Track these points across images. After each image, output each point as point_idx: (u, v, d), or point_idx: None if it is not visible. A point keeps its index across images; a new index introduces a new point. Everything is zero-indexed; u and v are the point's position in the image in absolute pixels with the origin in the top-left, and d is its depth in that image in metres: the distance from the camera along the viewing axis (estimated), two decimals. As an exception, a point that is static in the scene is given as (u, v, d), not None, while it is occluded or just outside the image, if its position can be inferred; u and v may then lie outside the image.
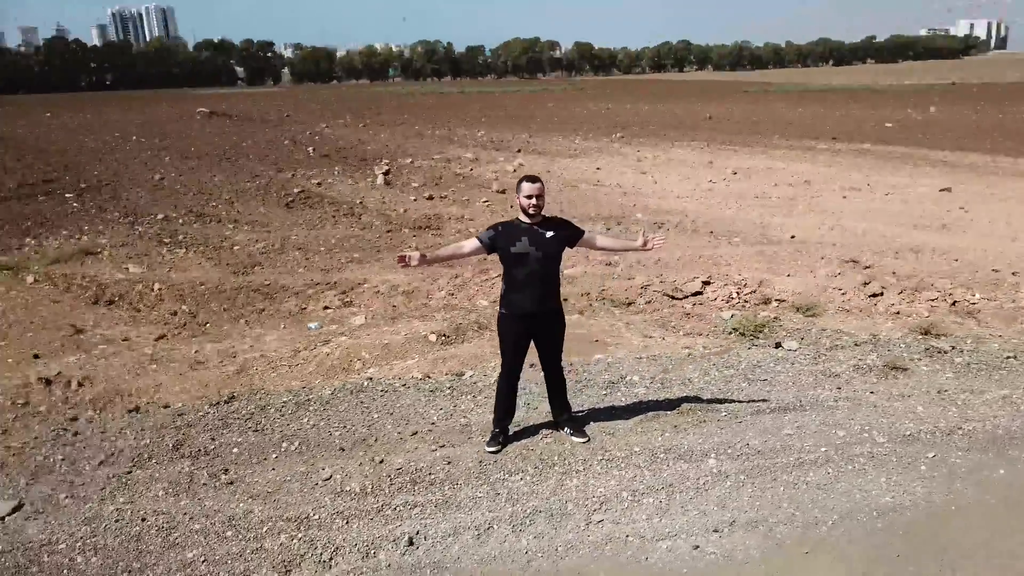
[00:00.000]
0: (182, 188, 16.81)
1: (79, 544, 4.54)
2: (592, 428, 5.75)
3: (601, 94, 70.28)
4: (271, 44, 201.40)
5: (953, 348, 7.18)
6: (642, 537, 4.53)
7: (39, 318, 9.13)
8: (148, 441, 5.82)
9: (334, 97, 73.98)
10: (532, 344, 5.54)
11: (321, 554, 4.45)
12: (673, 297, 9.21)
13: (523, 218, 5.21)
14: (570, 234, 5.36)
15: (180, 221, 13.83)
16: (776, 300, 8.94)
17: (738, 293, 9.20)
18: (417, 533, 4.61)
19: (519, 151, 22.53)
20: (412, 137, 26.77)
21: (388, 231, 12.96)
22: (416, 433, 5.83)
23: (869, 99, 51.04)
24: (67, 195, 15.99)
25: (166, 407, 6.53)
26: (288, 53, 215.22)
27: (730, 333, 7.82)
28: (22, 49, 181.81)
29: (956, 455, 5.28)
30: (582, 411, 6.07)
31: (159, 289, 10.09)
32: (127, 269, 11.01)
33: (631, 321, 8.30)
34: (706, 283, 9.59)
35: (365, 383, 6.86)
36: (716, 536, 4.51)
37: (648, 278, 9.86)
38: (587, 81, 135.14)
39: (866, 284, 9.30)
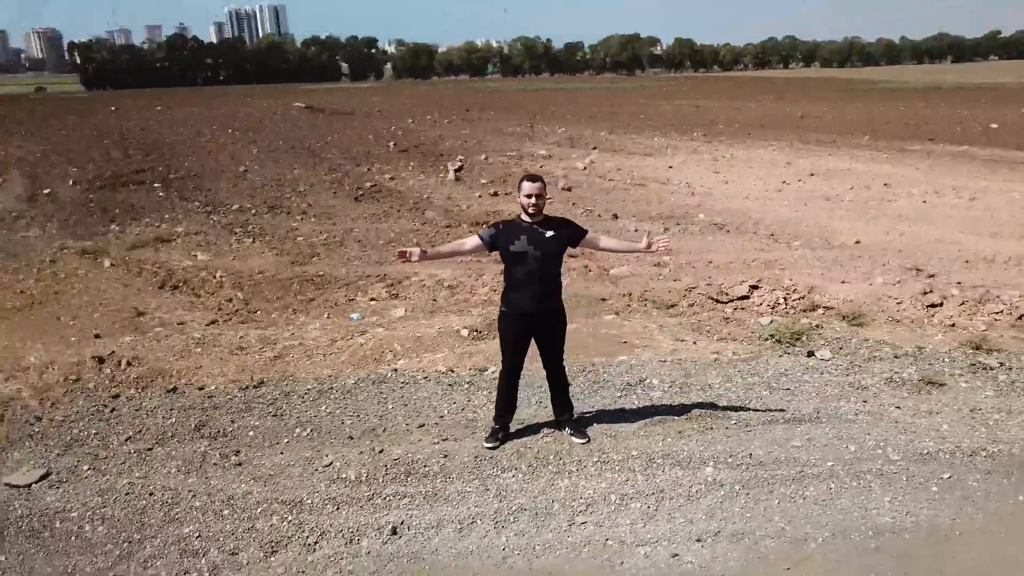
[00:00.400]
0: (262, 180, 17.52)
1: (89, 514, 4.86)
2: (595, 429, 5.72)
3: (695, 91, 68.95)
4: (375, 40, 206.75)
5: (1001, 365, 6.77)
6: (622, 542, 4.50)
7: (108, 300, 9.74)
8: (174, 420, 6.14)
9: (428, 93, 75.34)
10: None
11: (307, 537, 4.62)
12: (718, 301, 9.01)
13: (524, 217, 5.22)
14: (571, 234, 5.33)
15: (253, 212, 14.43)
16: (824, 307, 8.63)
17: (785, 299, 8.92)
18: (402, 523, 4.71)
19: (594, 148, 22.41)
20: (492, 133, 27.00)
21: (447, 226, 13.16)
22: (423, 426, 5.94)
23: (981, 98, 48.18)
24: (156, 185, 16.93)
25: (201, 389, 6.86)
26: (391, 49, 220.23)
27: (766, 340, 7.61)
28: (145, 46, 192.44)
29: (974, 478, 5.00)
30: (590, 412, 6.05)
31: (220, 276, 10.58)
32: (195, 256, 11.58)
33: (666, 324, 8.17)
34: (754, 287, 9.33)
35: (389, 374, 7.02)
36: (698, 546, 4.44)
37: (695, 280, 9.68)
38: (685, 78, 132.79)
39: (925, 294, 8.85)
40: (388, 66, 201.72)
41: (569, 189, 15.98)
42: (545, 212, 5.36)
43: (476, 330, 8.11)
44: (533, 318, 5.33)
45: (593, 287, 9.55)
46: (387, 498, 4.97)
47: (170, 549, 4.53)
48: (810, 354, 7.11)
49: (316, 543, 4.57)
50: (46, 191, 16.97)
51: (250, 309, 9.46)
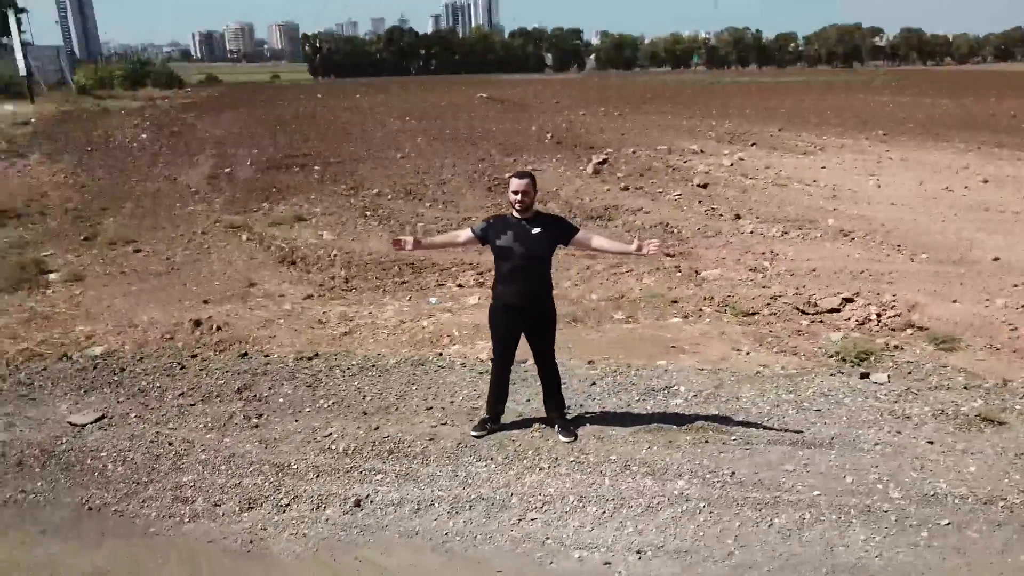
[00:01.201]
0: (412, 167, 18.44)
1: (115, 455, 5.55)
2: (587, 430, 5.69)
3: (908, 86, 63.39)
4: (579, 32, 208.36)
5: (1090, 411, 5.90)
6: (562, 543, 4.51)
7: (232, 270, 10.80)
8: (224, 382, 6.80)
9: (618, 85, 74.87)
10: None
11: (281, 499, 5.01)
12: (803, 312, 8.48)
13: (515, 213, 5.28)
14: (560, 232, 5.34)
15: (389, 196, 15.27)
16: (918, 327, 7.87)
17: (879, 315, 8.22)
18: (367, 497, 4.98)
19: (752, 145, 21.40)
20: (656, 127, 26.55)
21: (561, 219, 13.25)
22: (431, 409, 6.17)
23: None
24: (315, 167, 18.35)
25: (266, 356, 7.50)
26: (596, 41, 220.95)
27: (830, 357, 7.09)
28: (367, 37, 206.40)
29: (977, 528, 4.48)
30: (595, 412, 6.02)
31: (334, 255, 11.36)
32: (321, 236, 12.50)
33: (731, 331, 7.82)
34: (848, 300, 8.68)
35: (431, 358, 7.31)
36: (634, 557, 4.35)
37: (785, 288, 9.15)
38: (906, 71, 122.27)
39: (1050, 322, 7.82)
40: (592, 58, 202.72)
41: (704, 186, 15.47)
42: (539, 210, 5.42)
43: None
44: (518, 312, 5.39)
45: (676, 288, 9.29)
46: (364, 472, 5.26)
47: (166, 494, 5.09)
48: (864, 376, 6.56)
49: (287, 505, 4.95)
50: (227, 170, 18.90)
51: (347, 287, 10.10)
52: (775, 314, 8.41)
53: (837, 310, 8.51)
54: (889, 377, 6.50)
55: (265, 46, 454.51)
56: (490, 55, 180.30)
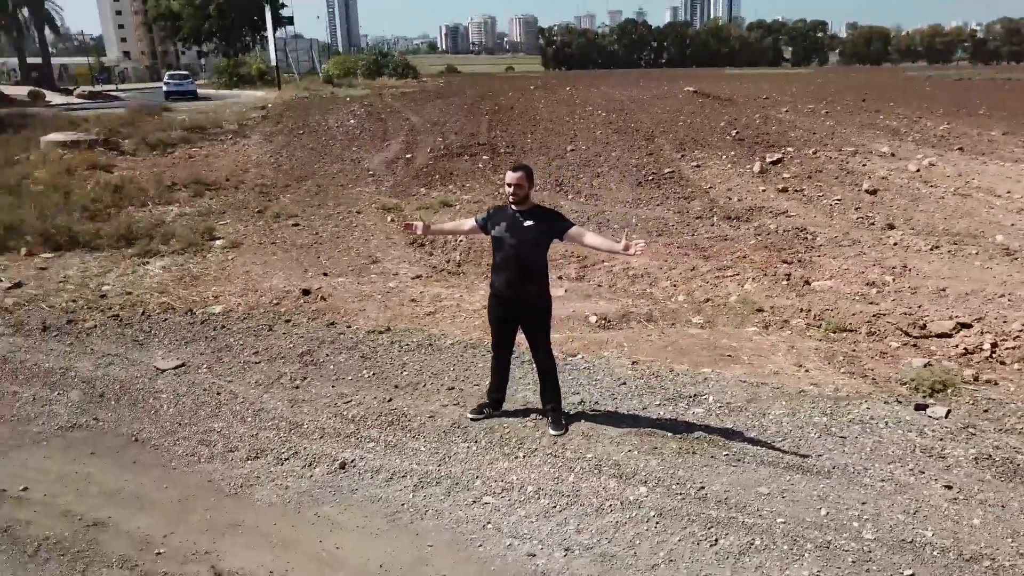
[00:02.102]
0: (576, 159, 18.62)
1: (171, 398, 6.38)
2: (581, 427, 5.69)
3: None
4: (824, 24, 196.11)
5: None
6: (499, 529, 4.63)
7: (364, 247, 11.68)
8: (294, 346, 7.50)
9: (854, 80, 69.47)
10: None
11: (283, 453, 5.54)
12: (906, 333, 7.72)
13: (513, 205, 5.39)
14: (554, 227, 5.37)
15: (540, 188, 15.58)
16: (1034, 363, 6.90)
17: (993, 346, 7.28)
18: (352, 462, 5.38)
19: (959, 149, 19.13)
20: (854, 126, 24.50)
21: (697, 218, 12.84)
22: (452, 389, 6.45)
23: None
24: (484, 156, 19.08)
25: (348, 327, 8.14)
26: (843, 33, 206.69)
27: (902, 384, 6.45)
28: (599, 31, 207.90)
29: (941, 584, 4.00)
30: (604, 411, 5.97)
31: (459, 240, 11.89)
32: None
33: (805, 347, 7.32)
34: (965, 326, 7.77)
35: (485, 342, 7.52)
36: (560, 554, 4.38)
37: (897, 306, 8.33)
38: None
39: None
40: (837, 51, 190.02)
41: (873, 192, 14.22)
42: (537, 203, 5.49)
43: (606, 318, 8.17)
44: (508, 302, 5.50)
45: (774, 297, 8.79)
46: (360, 439, 5.66)
47: (196, 436, 5.80)
48: (920, 408, 5.91)
49: (286, 459, 5.46)
50: (408, 155, 20.19)
51: (456, 271, 10.57)
52: (872, 333, 7.72)
53: (948, 335, 7.65)
54: (948, 412, 5.81)
55: (505, 39, 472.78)
56: (724, 48, 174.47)
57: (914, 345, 7.34)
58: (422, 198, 15.04)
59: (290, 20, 69.74)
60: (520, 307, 5.51)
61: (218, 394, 6.42)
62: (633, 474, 5.03)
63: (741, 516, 4.56)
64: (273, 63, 48.12)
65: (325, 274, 10.24)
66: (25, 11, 55.30)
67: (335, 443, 5.61)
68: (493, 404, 5.87)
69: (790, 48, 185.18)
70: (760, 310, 8.22)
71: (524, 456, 5.32)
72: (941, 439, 5.44)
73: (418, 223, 5.75)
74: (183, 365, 7.06)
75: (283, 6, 64.75)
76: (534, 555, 4.36)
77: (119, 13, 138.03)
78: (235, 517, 4.78)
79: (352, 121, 27.13)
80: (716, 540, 4.38)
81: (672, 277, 9.71)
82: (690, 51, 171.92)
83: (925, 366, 6.73)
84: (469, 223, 5.75)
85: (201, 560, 4.34)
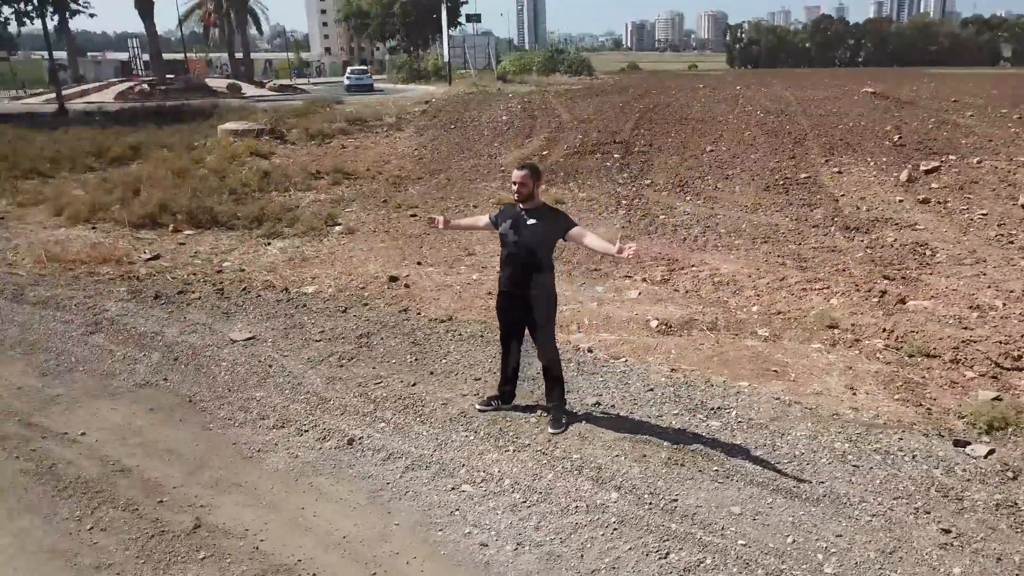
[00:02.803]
0: (709, 161, 18.06)
1: (228, 365, 7.02)
2: (582, 427, 5.71)
3: None
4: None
5: None
6: (464, 517, 4.80)
7: (468, 239, 12.06)
8: (356, 327, 7.98)
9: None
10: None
11: (303, 425, 5.97)
12: (996, 364, 7.02)
13: (520, 203, 5.49)
14: (556, 227, 5.43)
15: (657, 187, 15.32)
16: None
17: (1094, 385, 6.49)
18: (359, 439, 5.72)
19: None
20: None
21: (813, 227, 12.13)
22: (480, 379, 6.64)
23: None
24: (616, 155, 18.96)
25: (418, 314, 8.53)
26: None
27: (959, 417, 5.91)
28: (792, 27, 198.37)
29: (888, 631, 3.73)
30: (615, 415, 5.92)
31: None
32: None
33: (862, 368, 6.84)
34: (1067, 361, 6.95)
35: (536, 339, 7.64)
36: (511, 547, 4.50)
37: (997, 334, 7.55)
38: None
39: None
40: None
41: (1028, 207, 12.80)
42: (545, 202, 5.55)
43: (668, 324, 8.03)
44: (514, 298, 5.59)
45: (858, 314, 8.22)
46: (374, 419, 5.98)
47: (238, 402, 6.37)
48: (959, 444, 5.39)
49: (304, 431, 5.89)
50: (544, 152, 20.45)
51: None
52: (955, 361, 7.08)
53: (1043, 370, 6.87)
54: (991, 453, 5.27)
55: (692, 36, 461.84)
56: (931, 45, 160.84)
57: (994, 377, 6.66)
58: (542, 194, 15.21)
59: (477, 17, 72.18)
60: (520, 304, 5.60)
61: (270, 367, 6.98)
62: (610, 479, 5.00)
63: (701, 533, 4.43)
64: (446, 59, 50.11)
65: (419, 263, 10.71)
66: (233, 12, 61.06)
67: (352, 420, 5.96)
68: (503, 397, 6.00)
69: (1011, 47, 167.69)
70: (833, 327, 7.75)
71: (514, 450, 5.42)
72: (968, 480, 4.97)
73: (439, 218, 5.96)
74: (253, 338, 7.70)
75: (464, 3, 67.07)
76: (486, 545, 4.48)
77: (324, 12, 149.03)
78: (241, 478, 5.24)
79: (504, 117, 27.74)
80: (667, 554, 4.29)
81: (758, 286, 9.32)
82: (891, 49, 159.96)
83: (993, 400, 6.11)
84: (484, 219, 5.91)
85: (192, 512, 4.82)
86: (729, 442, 5.47)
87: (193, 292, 9.27)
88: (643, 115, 27.78)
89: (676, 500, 4.75)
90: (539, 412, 5.94)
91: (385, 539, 4.56)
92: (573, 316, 8.37)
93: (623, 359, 7.16)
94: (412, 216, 13.73)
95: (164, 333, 7.82)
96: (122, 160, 19.71)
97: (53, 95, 38.30)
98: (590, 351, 7.36)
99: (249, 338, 7.69)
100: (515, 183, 5.44)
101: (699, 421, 5.83)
